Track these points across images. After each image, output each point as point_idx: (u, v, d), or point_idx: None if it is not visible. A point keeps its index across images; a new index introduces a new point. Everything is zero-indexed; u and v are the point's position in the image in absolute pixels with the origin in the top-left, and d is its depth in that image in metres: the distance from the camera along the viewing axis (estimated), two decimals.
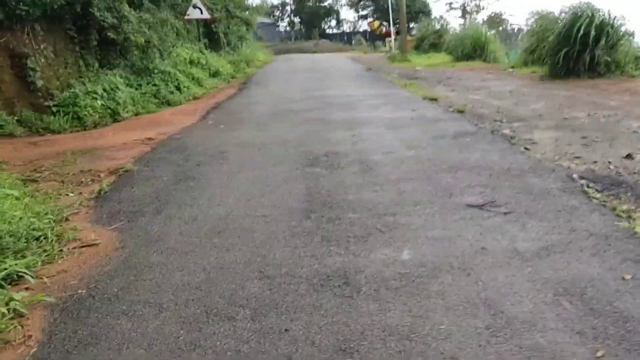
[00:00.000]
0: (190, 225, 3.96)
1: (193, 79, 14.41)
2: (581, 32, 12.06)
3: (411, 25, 62.98)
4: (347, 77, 15.41)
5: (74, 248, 3.75)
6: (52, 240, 3.81)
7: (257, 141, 6.77)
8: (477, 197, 4.15)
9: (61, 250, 3.70)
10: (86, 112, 9.12)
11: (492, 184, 4.45)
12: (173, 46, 17.20)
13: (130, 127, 8.76)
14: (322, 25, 67.88)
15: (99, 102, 9.58)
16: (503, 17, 45.56)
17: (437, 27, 28.71)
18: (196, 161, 5.96)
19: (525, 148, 5.82)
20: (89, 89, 9.62)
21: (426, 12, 59.45)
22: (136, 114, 10.40)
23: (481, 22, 33.09)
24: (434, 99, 10.04)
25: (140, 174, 5.62)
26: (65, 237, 3.88)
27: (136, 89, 11.69)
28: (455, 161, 5.20)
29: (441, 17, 57.17)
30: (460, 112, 8.38)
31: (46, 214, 4.29)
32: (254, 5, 31.54)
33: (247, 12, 28.05)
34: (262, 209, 4.18)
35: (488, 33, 20.13)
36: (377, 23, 66.16)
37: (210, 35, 23.77)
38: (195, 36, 20.36)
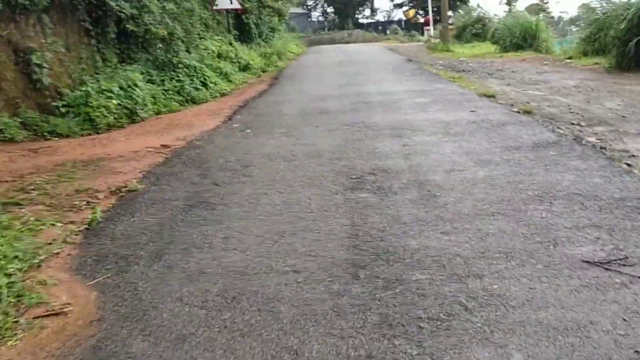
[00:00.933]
0: (194, 284, 2.88)
1: (221, 73, 13.41)
2: None
3: (449, 13, 61.02)
4: (386, 70, 14.15)
5: (35, 318, 2.71)
6: (8, 304, 2.79)
7: (287, 151, 5.66)
8: (593, 246, 2.94)
9: (17, 321, 2.68)
10: (99, 113, 8.17)
11: (609, 224, 3.23)
12: (200, 38, 16.27)
13: (146, 130, 7.77)
14: (356, 15, 66.36)
15: (115, 101, 8.62)
16: (546, 3, 43.15)
17: (480, 14, 27.05)
18: (214, 178, 4.89)
19: (627, 164, 4.55)
20: (104, 87, 8.65)
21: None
22: (157, 113, 9.46)
23: (522, 9, 31.09)
24: (490, 96, 8.75)
25: (145, 195, 4.58)
26: (27, 298, 2.85)
27: (158, 85, 10.74)
28: (544, 185, 3.97)
29: (478, 5, 55.00)
30: (527, 112, 7.09)
31: (15, 257, 3.29)
32: None
33: (279, 2, 26.98)
34: (292, 258, 3.07)
35: (540, 21, 18.48)
36: (412, 12, 64.27)
37: (240, 26, 22.81)
38: (225, 28, 19.40)
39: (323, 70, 15.23)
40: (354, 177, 4.55)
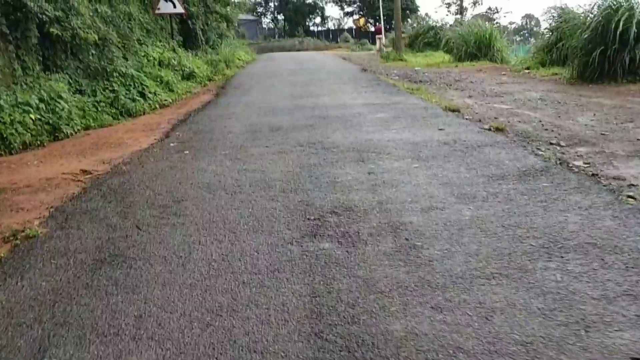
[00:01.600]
0: None
1: (162, 82, 12.31)
2: (620, 28, 10.20)
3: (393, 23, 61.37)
4: (341, 80, 13.38)
5: None
6: None
7: (231, 181, 4.74)
8: (638, 331, 2.17)
9: None
10: (12, 130, 7.00)
11: None
12: (141, 44, 15.12)
13: (67, 151, 6.68)
14: (307, 23, 65.97)
15: (33, 115, 7.48)
16: (495, 13, 43.80)
17: (432, 23, 26.88)
18: (137, 219, 3.92)
19: (630, 197, 3.87)
20: (20, 100, 7.49)
21: (413, 8, 57.82)
22: (86, 128, 8.36)
23: (470, 17, 31.21)
24: (455, 110, 8.08)
25: (46, 245, 3.57)
26: None
27: (89, 96, 9.61)
28: (548, 231, 3.21)
29: (426, 14, 55.39)
30: (499, 130, 6.42)
31: None
32: (236, 0, 29.45)
33: (227, 8, 25.95)
34: (227, 358, 2.16)
35: (494, 30, 18.23)
36: (362, 20, 64.45)
37: (186, 32, 21.61)
38: (169, 33, 18.24)
39: (274, 79, 14.33)
40: (313, 217, 3.68)
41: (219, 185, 4.61)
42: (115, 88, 10.43)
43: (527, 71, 14.17)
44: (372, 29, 63.10)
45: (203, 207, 4.07)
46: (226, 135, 6.85)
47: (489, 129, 6.44)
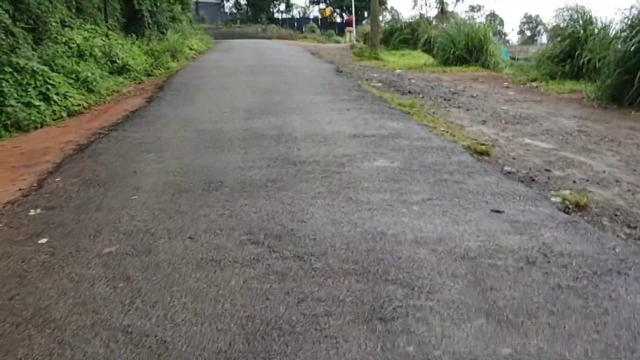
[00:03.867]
0: None
1: (77, 80, 9.29)
2: None
3: (365, 14, 58.83)
4: (313, 86, 10.61)
5: None
6: None
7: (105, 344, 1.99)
8: None
9: None
10: None
11: None
12: (64, 27, 12.02)
13: None
14: (271, 9, 62.72)
15: None
16: (478, 10, 41.65)
17: (404, 19, 24.40)
18: None
19: None
20: None
21: (381, 1, 55.32)
22: None
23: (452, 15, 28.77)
24: (483, 153, 5.52)
25: None
26: None
27: None
28: None
29: (392, 8, 52.96)
30: (581, 207, 3.87)
31: None
32: None
33: None
34: None
35: (488, 31, 15.84)
36: (329, 10, 61.76)
37: (131, 13, 18.46)
38: (102, 14, 15.09)
39: (228, 79, 11.40)
40: None
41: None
42: (3, 89, 7.45)
43: (533, 84, 11.79)
44: (338, 19, 60.53)
45: None
46: (129, 196, 4.05)
47: (569, 208, 3.87)
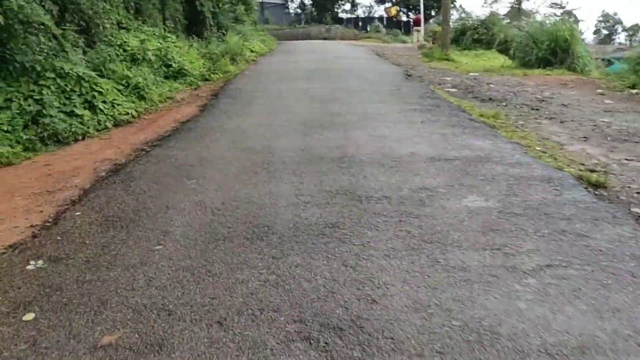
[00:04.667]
0: None
1: (128, 86, 8.69)
2: None
3: (432, 13, 56.96)
4: (380, 93, 9.56)
5: None
6: None
7: None
8: None
9: None
10: None
11: None
12: (121, 29, 11.58)
13: None
14: (336, 9, 61.89)
15: None
16: (562, 8, 39.05)
17: (485, 17, 22.86)
18: None
19: None
20: None
21: None
22: None
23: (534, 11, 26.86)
24: (599, 185, 4.33)
25: None
26: None
27: None
28: None
29: (460, 6, 50.66)
30: None
31: None
32: None
33: None
34: None
35: (575, 30, 14.23)
36: (394, 9, 60.30)
37: (193, 15, 18.09)
38: (171, 14, 14.70)
39: (286, 86, 10.54)
40: None
41: None
42: (45, 96, 6.91)
43: (632, 91, 10.25)
44: (404, 18, 58.98)
45: None
46: (153, 245, 3.20)
47: None
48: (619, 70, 12.53)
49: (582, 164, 5.22)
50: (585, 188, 4.23)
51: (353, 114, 7.35)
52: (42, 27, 7.22)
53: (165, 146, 5.90)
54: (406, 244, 3.11)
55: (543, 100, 9.47)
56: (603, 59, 22.81)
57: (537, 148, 5.78)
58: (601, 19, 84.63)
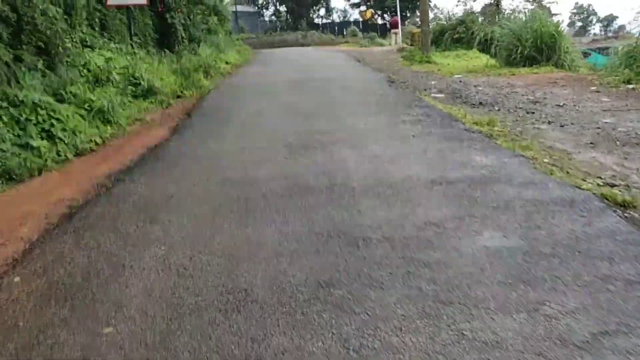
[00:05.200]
0: None
1: (91, 110, 7.98)
2: None
3: (407, 14, 56.79)
4: (366, 104, 8.94)
5: None
6: None
7: None
8: None
9: None
10: None
11: None
12: (85, 47, 10.86)
13: None
14: (311, 15, 61.55)
15: None
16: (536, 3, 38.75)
17: (461, 17, 22.46)
18: None
19: None
20: None
21: None
22: None
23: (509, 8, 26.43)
24: (627, 205, 3.76)
25: None
26: None
27: None
28: None
29: (434, 5, 50.41)
30: None
31: None
32: None
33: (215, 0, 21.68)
34: None
35: (560, 26, 13.83)
36: (369, 12, 60.11)
37: (164, 29, 17.37)
38: (140, 29, 13.97)
39: (264, 101, 9.86)
40: None
41: None
42: None
43: (629, 86, 9.80)
44: (380, 21, 58.79)
45: None
46: (100, 328, 2.53)
47: None
48: (601, 62, 12.10)
49: (599, 177, 4.66)
50: (615, 211, 3.64)
51: (339, 130, 6.72)
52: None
53: (129, 181, 5.21)
54: (420, 308, 2.48)
55: (536, 102, 8.96)
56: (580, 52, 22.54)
57: (545, 160, 5.20)
58: (575, 11, 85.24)
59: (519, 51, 13.80)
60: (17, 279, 3.21)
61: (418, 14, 54.61)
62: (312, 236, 3.39)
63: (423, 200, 3.93)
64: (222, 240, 3.45)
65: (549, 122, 7.37)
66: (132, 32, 12.66)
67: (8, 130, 6.37)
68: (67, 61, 9.61)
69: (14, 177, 5.81)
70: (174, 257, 3.24)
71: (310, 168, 5.01)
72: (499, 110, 8.37)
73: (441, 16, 27.88)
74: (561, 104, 8.65)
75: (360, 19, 59.37)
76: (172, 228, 3.76)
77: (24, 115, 6.71)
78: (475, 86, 10.99)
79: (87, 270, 3.17)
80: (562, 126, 7.12)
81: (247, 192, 4.44)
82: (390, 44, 30.83)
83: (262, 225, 3.65)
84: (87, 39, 11.27)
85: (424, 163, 4.99)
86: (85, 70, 9.81)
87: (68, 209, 4.54)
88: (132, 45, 12.23)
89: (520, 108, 8.45)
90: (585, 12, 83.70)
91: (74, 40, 10.49)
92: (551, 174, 4.64)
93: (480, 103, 8.97)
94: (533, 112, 8.09)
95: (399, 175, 4.59)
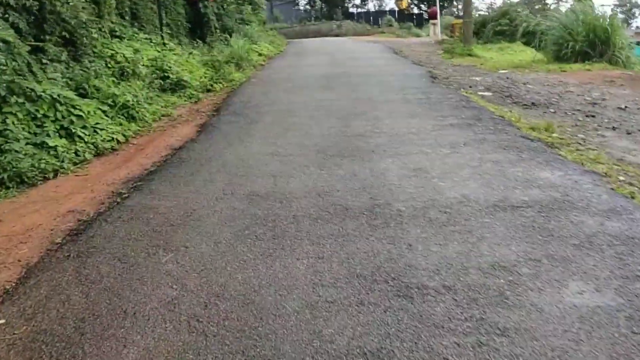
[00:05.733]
0: None
1: (114, 105, 7.51)
2: None
3: (444, 4, 55.21)
4: (405, 101, 8.26)
5: None
6: None
7: None
8: None
9: None
10: None
11: None
12: (113, 37, 10.43)
13: None
14: (346, 4, 60.50)
15: None
16: None
17: (505, 7, 21.40)
18: None
19: None
20: None
21: None
22: None
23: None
24: None
25: None
26: None
27: None
28: None
29: None
30: None
31: None
32: None
33: None
34: None
35: (614, 19, 12.79)
36: (405, 1, 58.77)
37: (197, 19, 16.94)
38: (172, 19, 13.52)
39: (296, 97, 9.24)
40: None
41: None
42: (7, 127, 5.78)
43: None
44: (416, 11, 57.43)
45: None
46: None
47: None
48: None
49: None
50: None
51: (379, 134, 6.07)
52: (2, 44, 6.06)
53: (146, 190, 4.69)
54: None
55: (595, 104, 8.13)
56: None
57: (621, 178, 4.47)
58: (617, 2, 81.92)
59: (570, 46, 12.83)
60: (2, 321, 2.70)
61: (455, 3, 52.99)
62: (352, 279, 2.78)
63: (486, 232, 3.27)
64: (245, 280, 2.87)
65: (613, 128, 6.58)
66: (164, 22, 12.18)
67: (23, 128, 5.95)
68: (93, 52, 9.20)
69: (26, 180, 5.37)
70: (186, 302, 2.68)
71: (347, 182, 4.39)
72: (554, 112, 7.58)
73: (481, 7, 26.73)
74: (623, 107, 7.82)
75: (396, 9, 58.08)
76: (187, 258, 3.20)
77: (42, 112, 6.30)
78: (524, 84, 10.16)
79: (82, 316, 2.64)
80: (629, 133, 6.34)
81: (276, 211, 3.85)
82: (428, 35, 29.80)
83: (293, 260, 3.06)
84: (117, 29, 10.86)
85: (481, 179, 4.31)
86: (112, 62, 9.37)
87: (76, 224, 4.04)
88: (162, 35, 11.76)
89: (577, 110, 7.65)
90: (628, 4, 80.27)
91: (102, 30, 10.09)
92: (632, 198, 3.91)
93: (533, 104, 8.18)
94: (593, 116, 7.28)
95: (453, 196, 3.93)
